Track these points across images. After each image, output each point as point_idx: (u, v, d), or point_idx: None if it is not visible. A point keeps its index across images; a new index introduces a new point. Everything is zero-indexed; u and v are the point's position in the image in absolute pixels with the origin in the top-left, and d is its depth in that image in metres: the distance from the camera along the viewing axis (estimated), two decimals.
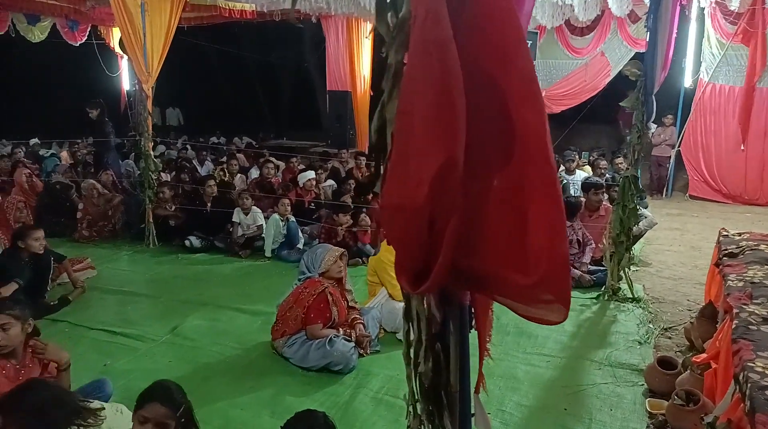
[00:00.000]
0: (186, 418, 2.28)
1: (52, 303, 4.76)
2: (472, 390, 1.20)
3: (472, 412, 1.16)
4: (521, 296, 0.99)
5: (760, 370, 2.34)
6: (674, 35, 4.66)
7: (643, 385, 3.54)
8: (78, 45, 11.47)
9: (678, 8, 4.67)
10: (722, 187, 9.29)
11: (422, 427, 1.16)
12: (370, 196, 6.89)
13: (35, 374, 2.86)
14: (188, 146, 12.05)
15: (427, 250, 0.94)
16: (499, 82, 0.92)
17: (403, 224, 0.96)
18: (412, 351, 1.15)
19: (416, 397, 1.18)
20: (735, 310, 2.94)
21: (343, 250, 4.21)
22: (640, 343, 4.13)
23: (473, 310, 1.20)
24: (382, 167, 1.02)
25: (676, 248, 6.68)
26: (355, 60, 11.11)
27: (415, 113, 0.91)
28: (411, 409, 1.19)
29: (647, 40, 4.49)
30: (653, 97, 4.60)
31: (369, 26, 10.79)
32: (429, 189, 0.88)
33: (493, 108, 0.93)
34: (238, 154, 10.66)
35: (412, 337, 1.14)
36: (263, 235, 6.47)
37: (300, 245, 6.50)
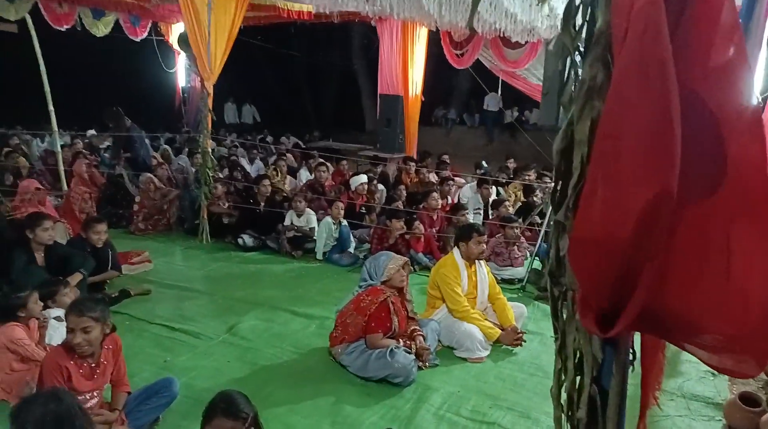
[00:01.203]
0: (255, 425, 2.24)
1: (113, 294, 4.83)
2: None
3: None
4: (716, 347, 0.88)
5: None
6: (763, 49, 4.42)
7: (720, 420, 3.34)
8: (138, 40, 11.75)
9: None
10: None
11: None
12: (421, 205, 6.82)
13: (108, 372, 2.88)
14: (238, 144, 12.22)
15: (619, 289, 0.84)
16: (712, 106, 0.82)
17: (597, 259, 0.86)
18: (563, 391, 1.04)
19: None
20: None
21: (406, 259, 4.13)
22: (713, 374, 3.91)
23: (634, 352, 1.09)
24: (569, 193, 0.93)
25: None
26: (409, 64, 11.03)
27: (624, 138, 0.82)
28: None
29: None
30: None
31: (425, 30, 10.71)
32: (636, 224, 0.79)
33: (701, 133, 0.83)
34: (287, 154, 10.72)
35: (563, 377, 1.04)
36: (315, 237, 6.45)
37: (351, 249, 6.46)
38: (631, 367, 1.10)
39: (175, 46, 12.18)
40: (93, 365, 2.77)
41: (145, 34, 11.97)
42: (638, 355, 1.14)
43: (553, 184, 1.00)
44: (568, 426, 1.08)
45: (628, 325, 0.89)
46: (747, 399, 3.29)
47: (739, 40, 0.88)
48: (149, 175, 7.53)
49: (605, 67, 0.94)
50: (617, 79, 0.89)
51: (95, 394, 2.82)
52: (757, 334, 0.87)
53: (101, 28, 11.35)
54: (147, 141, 9.02)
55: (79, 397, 2.53)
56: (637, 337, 1.21)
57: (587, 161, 0.93)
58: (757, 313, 0.87)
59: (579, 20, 1.05)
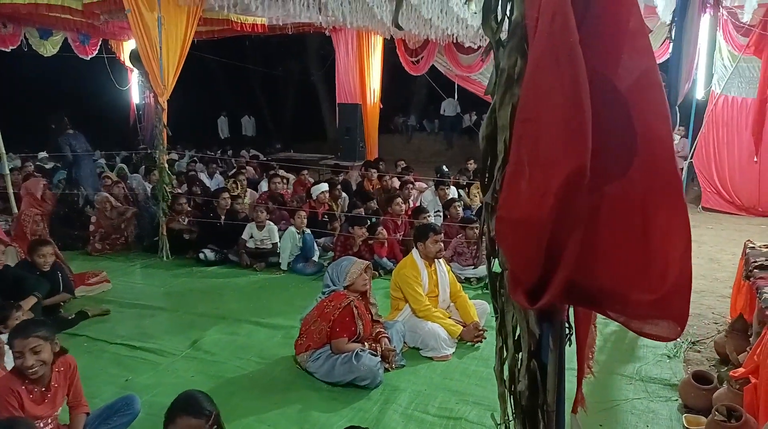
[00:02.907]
0: (217, 424, 2.24)
1: (69, 316, 4.70)
2: (568, 410, 1.14)
3: None
4: (639, 313, 0.94)
5: None
6: (698, 46, 4.64)
7: (677, 400, 3.47)
8: (89, 59, 11.51)
9: (700, 19, 4.66)
10: (736, 199, 9.23)
11: None
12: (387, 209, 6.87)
13: (60, 396, 2.80)
14: (197, 159, 12.06)
15: (545, 263, 0.89)
16: (621, 88, 0.88)
17: (523, 237, 0.91)
18: (506, 368, 1.09)
19: (509, 417, 1.12)
20: None
21: (368, 262, 4.16)
22: (669, 357, 4.06)
23: (570, 326, 1.15)
24: (495, 176, 0.98)
25: (695, 261, 6.52)
26: (366, 73, 11.12)
27: (542, 120, 0.87)
28: (503, 428, 1.13)
29: (670, 50, 4.47)
30: (676, 108, 4.57)
31: (380, 39, 10.82)
32: (555, 200, 0.84)
33: (612, 115, 0.89)
34: (247, 167, 10.64)
35: (505, 354, 1.08)
36: (278, 250, 6.41)
37: (315, 258, 6.44)
38: (567, 341, 1.15)
39: (128, 63, 11.97)
40: (43, 389, 2.69)
41: (96, 53, 11.75)
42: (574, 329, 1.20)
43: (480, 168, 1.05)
44: (512, 400, 1.12)
45: (556, 297, 0.94)
46: (700, 378, 3.43)
47: (639, 24, 0.94)
48: (105, 194, 7.36)
49: (522, 56, 0.99)
50: (531, 65, 0.95)
51: (49, 421, 2.74)
52: (674, 298, 0.93)
53: (49, 48, 11.09)
54: (93, 159, 8.88)
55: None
56: (572, 313, 1.27)
57: (510, 145, 0.97)
58: (673, 279, 0.93)
59: (500, 14, 1.11)
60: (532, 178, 0.92)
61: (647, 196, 0.93)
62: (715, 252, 6.92)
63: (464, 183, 8.75)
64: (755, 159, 8.97)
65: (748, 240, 4.64)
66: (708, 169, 9.40)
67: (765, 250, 4.27)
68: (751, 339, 3.61)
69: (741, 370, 3.30)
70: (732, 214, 9.20)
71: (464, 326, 4.32)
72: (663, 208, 0.93)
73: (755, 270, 3.87)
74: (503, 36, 1.08)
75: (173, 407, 2.19)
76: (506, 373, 1.15)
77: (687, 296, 0.90)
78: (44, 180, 7.60)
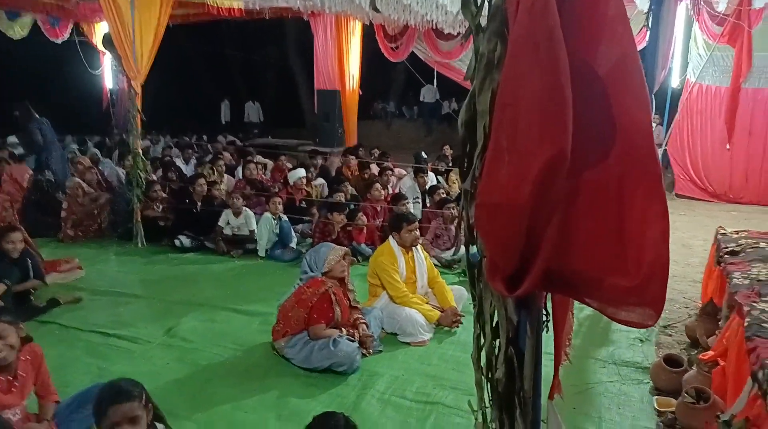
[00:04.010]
0: (151, 402, 2.24)
1: (40, 304, 4.61)
2: (544, 396, 1.15)
3: (543, 418, 1.11)
4: (614, 299, 0.94)
5: None
6: (674, 35, 4.69)
7: (648, 382, 3.54)
8: (60, 42, 11.19)
9: (677, 8, 4.71)
10: (708, 185, 9.42)
11: None
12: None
13: (28, 385, 2.75)
14: (172, 145, 11.86)
15: (523, 250, 0.88)
16: (600, 73, 0.87)
17: (503, 223, 0.90)
18: (483, 355, 1.09)
19: (485, 404, 1.12)
20: (746, 308, 2.95)
21: (346, 249, 4.15)
22: (641, 340, 4.13)
23: (548, 313, 1.15)
24: (475, 162, 0.96)
25: None
26: (345, 58, 11.02)
27: (521, 106, 0.86)
28: (479, 415, 1.13)
29: (647, 38, 4.50)
30: (653, 95, 4.62)
31: (359, 24, 10.72)
32: (534, 186, 0.83)
33: (592, 100, 0.88)
34: (224, 153, 10.50)
35: (482, 341, 1.08)
36: (256, 237, 6.35)
37: (293, 244, 6.41)
38: (545, 328, 1.16)
39: (100, 46, 11.66)
40: (10, 378, 2.63)
41: (67, 35, 11.42)
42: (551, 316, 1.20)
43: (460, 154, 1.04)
44: (489, 387, 1.12)
45: (535, 284, 0.94)
46: (671, 361, 3.50)
47: (621, 10, 0.93)
48: (77, 179, 7.20)
49: (502, 41, 0.98)
50: (511, 50, 0.93)
51: (17, 411, 2.68)
52: (650, 285, 0.94)
53: (18, 31, 10.77)
54: (59, 145, 8.67)
55: None
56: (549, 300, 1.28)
57: (489, 131, 0.96)
58: (649, 265, 0.93)
59: None
60: (511, 163, 0.91)
61: (625, 182, 0.93)
62: (687, 238, 7.06)
63: (443, 169, 8.76)
64: (727, 147, 9.15)
65: (720, 226, 4.73)
66: (682, 157, 9.56)
67: (735, 236, 4.37)
68: (720, 323, 3.70)
69: (710, 353, 3.38)
70: (704, 200, 9.39)
71: (442, 311, 4.34)
72: (641, 194, 0.94)
73: (726, 256, 3.95)
74: (483, 20, 1.06)
75: (100, 402, 2.13)
76: (483, 360, 1.15)
77: (663, 283, 0.91)
78: (29, 168, 7.43)
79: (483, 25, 1.07)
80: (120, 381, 2.23)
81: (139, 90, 6.53)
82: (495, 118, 0.96)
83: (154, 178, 7.73)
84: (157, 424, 2.28)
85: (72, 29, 11.41)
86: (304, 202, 7.25)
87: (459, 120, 1.07)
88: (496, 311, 1.12)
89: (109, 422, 2.07)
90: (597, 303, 1.03)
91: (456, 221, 5.92)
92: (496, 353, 1.13)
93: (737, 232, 4.47)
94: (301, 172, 7.54)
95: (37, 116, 8.10)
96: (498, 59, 0.99)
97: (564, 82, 0.88)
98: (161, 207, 6.91)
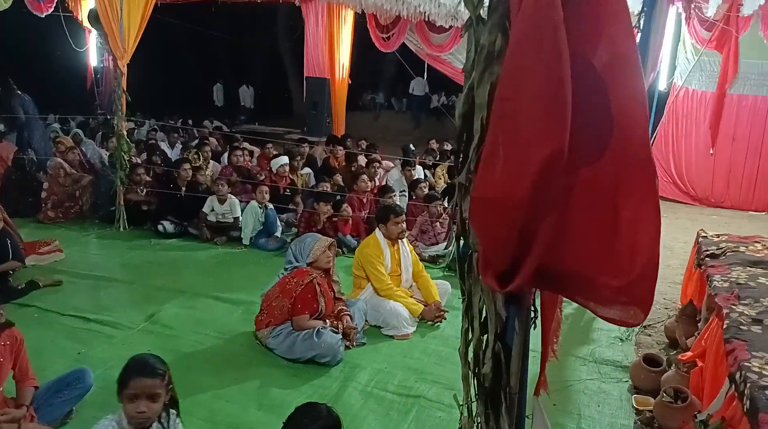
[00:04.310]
0: (171, 383, 2.26)
1: (18, 286, 4.52)
2: (530, 392, 1.15)
3: (528, 414, 1.11)
4: (605, 298, 0.94)
5: (757, 369, 2.38)
6: (664, 38, 4.72)
7: (627, 381, 3.59)
8: (44, 16, 10.91)
9: (668, 11, 4.73)
10: (690, 189, 9.54)
11: (475, 428, 1.10)
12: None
13: (6, 369, 2.70)
14: (157, 128, 11.67)
15: (517, 246, 0.88)
16: (600, 70, 0.86)
17: (497, 218, 0.89)
18: (470, 350, 1.08)
19: (471, 399, 1.12)
20: (725, 311, 2.99)
21: (332, 240, 4.13)
22: (621, 340, 4.19)
23: (536, 309, 1.15)
24: (471, 155, 0.95)
25: None
26: (335, 47, 10.93)
27: (522, 100, 0.85)
28: (465, 410, 1.13)
29: (638, 40, 4.52)
30: None
31: (351, 13, 10.63)
32: (531, 181, 0.82)
33: (590, 97, 0.88)
34: (210, 139, 10.37)
35: (470, 336, 1.08)
36: (240, 225, 6.30)
37: (278, 234, 6.36)
38: (533, 325, 1.16)
39: (86, 23, 11.41)
40: None
41: (51, 10, 11.14)
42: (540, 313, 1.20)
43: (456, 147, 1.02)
44: (475, 382, 1.12)
45: (526, 280, 0.93)
46: (650, 360, 3.55)
47: (624, 10, 0.92)
48: (59, 159, 7.06)
49: (503, 34, 0.97)
50: (513, 44, 0.92)
51: None
52: (640, 285, 0.94)
53: (0, 2, 10.46)
54: (42, 123, 8.51)
55: None
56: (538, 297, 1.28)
57: (487, 124, 0.95)
58: (640, 266, 0.93)
59: None
60: (508, 158, 0.90)
61: (620, 180, 0.93)
62: (668, 240, 7.15)
63: (430, 163, 8.75)
64: (711, 151, 9.27)
65: (701, 229, 4.80)
66: (666, 160, 9.66)
67: (716, 239, 4.43)
68: (699, 324, 3.76)
69: (689, 354, 3.44)
70: (686, 203, 9.52)
71: (426, 305, 4.35)
72: (635, 194, 0.93)
73: (706, 258, 4.01)
74: (484, 12, 1.05)
75: (127, 371, 2.17)
76: (471, 354, 1.15)
77: (652, 284, 0.91)
78: (15, 146, 7.27)
79: (484, 17, 1.05)
80: (148, 355, 2.27)
81: (124, 70, 6.41)
82: (493, 111, 0.95)
83: (138, 161, 7.61)
84: (171, 410, 2.28)
85: (57, 3, 11.13)
86: (288, 190, 7.19)
87: (456, 112, 1.06)
88: (485, 306, 1.12)
89: (130, 393, 2.10)
90: (587, 301, 1.03)
91: (443, 217, 5.93)
92: (484, 348, 1.13)
93: (718, 236, 4.54)
94: (284, 159, 7.47)
95: (19, 92, 7.92)
96: (498, 52, 0.98)
97: (566, 78, 0.87)
98: (145, 191, 6.81)
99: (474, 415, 1.16)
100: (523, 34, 0.90)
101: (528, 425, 1.14)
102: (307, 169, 8.24)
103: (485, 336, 1.12)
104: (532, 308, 1.12)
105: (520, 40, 0.91)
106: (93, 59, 13.10)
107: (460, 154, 1.00)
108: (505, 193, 0.87)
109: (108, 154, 7.80)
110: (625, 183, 0.95)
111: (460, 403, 1.20)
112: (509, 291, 0.94)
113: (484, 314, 1.12)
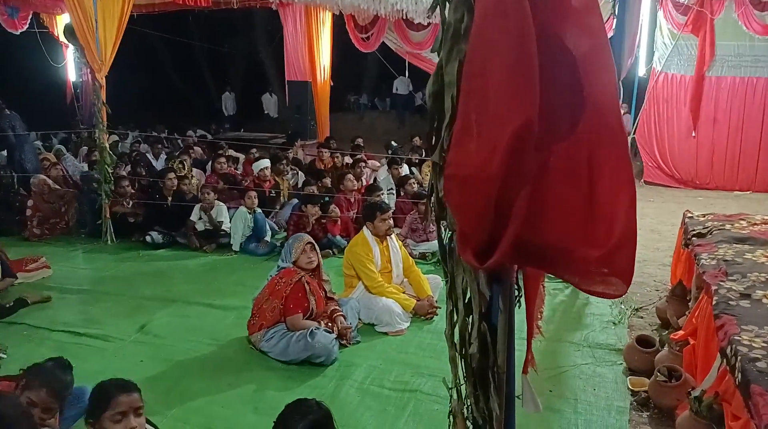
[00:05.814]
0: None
1: (7, 305, 4.46)
2: (518, 370, 1.15)
3: (518, 393, 1.11)
4: (585, 270, 0.94)
5: (746, 343, 2.40)
6: (640, 23, 4.76)
7: (622, 364, 3.61)
8: (19, 33, 10.81)
9: None
10: (675, 172, 9.63)
11: (465, 410, 1.10)
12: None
13: None
14: (141, 139, 11.59)
15: (493, 221, 0.88)
16: (569, 46, 0.87)
17: (472, 194, 0.89)
18: (456, 332, 1.08)
19: (459, 381, 1.12)
20: (713, 287, 3.02)
21: (310, 238, 4.08)
22: (614, 323, 4.21)
23: (519, 288, 1.15)
24: (443, 134, 0.95)
25: (637, 232, 6.87)
26: (315, 49, 10.91)
27: (489, 76, 0.85)
28: (454, 392, 1.12)
29: (614, 27, 4.56)
30: (620, 83, 4.68)
31: (329, 14, 10.62)
32: (504, 155, 0.82)
33: (560, 72, 0.88)
34: (195, 147, 10.31)
35: (455, 317, 1.08)
36: (228, 231, 6.26)
37: (267, 238, 6.33)
38: (517, 303, 1.16)
39: (62, 38, 11.32)
40: None
41: (26, 27, 11.05)
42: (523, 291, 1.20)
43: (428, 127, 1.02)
44: (463, 363, 1.12)
45: (506, 256, 0.93)
46: (643, 342, 3.57)
47: None
48: (42, 176, 6.99)
49: (469, 11, 0.97)
50: (479, 20, 0.92)
51: None
52: (619, 253, 0.94)
53: None
54: (31, 139, 8.41)
55: None
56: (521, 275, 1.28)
57: (457, 102, 0.95)
58: (618, 235, 0.93)
59: None
60: (480, 134, 0.90)
61: (594, 152, 0.93)
62: (656, 224, 7.21)
63: (416, 161, 8.76)
64: (693, 134, 9.36)
65: (687, 210, 4.84)
66: (649, 145, 9.74)
67: (702, 219, 4.47)
68: (689, 303, 3.79)
69: (680, 332, 3.46)
70: (672, 187, 9.60)
71: (418, 300, 4.35)
72: (609, 164, 0.94)
73: (693, 238, 4.05)
74: None
75: (104, 394, 2.17)
76: (457, 336, 1.15)
77: (632, 253, 0.91)
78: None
79: None
80: (116, 378, 2.29)
81: (103, 82, 6.36)
82: (462, 88, 0.95)
83: (123, 173, 7.55)
84: (148, 427, 2.32)
85: (32, 20, 11.03)
86: (273, 193, 7.16)
87: (426, 92, 1.06)
88: (468, 287, 1.12)
89: (117, 413, 2.10)
90: (568, 275, 1.03)
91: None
92: (470, 329, 1.12)
93: (704, 216, 4.58)
94: (265, 162, 7.45)
95: (8, 112, 7.82)
96: (465, 29, 0.97)
97: (531, 50, 0.87)
98: (131, 203, 6.75)
99: (464, 397, 1.16)
100: (487, 10, 0.90)
101: (518, 405, 1.13)
102: (292, 170, 8.21)
103: (470, 316, 1.12)
104: (515, 286, 1.12)
105: (485, 16, 0.91)
106: (72, 74, 13.01)
107: (433, 134, 1.00)
108: (478, 169, 0.88)
109: (86, 168, 7.73)
110: (598, 154, 0.95)
111: (450, 386, 1.20)
112: (489, 267, 0.94)
113: (467, 295, 1.12)
